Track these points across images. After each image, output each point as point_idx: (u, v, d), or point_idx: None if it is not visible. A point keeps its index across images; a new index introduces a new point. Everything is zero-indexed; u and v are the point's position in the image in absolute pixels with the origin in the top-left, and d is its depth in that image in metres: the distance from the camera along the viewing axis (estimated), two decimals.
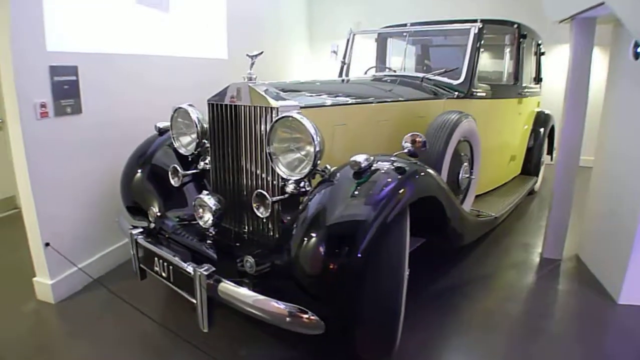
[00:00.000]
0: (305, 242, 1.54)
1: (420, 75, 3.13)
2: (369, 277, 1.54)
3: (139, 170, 2.43)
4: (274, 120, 1.80)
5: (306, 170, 1.75)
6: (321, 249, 1.50)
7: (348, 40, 3.73)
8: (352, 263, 1.47)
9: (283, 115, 1.77)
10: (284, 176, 1.83)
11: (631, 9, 1.86)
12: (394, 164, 1.75)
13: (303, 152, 1.82)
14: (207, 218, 2.00)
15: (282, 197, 1.89)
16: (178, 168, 2.24)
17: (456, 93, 2.99)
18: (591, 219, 3.09)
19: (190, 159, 2.40)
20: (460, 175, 2.65)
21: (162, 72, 3.30)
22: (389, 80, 3.06)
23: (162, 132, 2.57)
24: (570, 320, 2.45)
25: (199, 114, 2.26)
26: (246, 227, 2.12)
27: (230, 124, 2.08)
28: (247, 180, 2.07)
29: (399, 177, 1.70)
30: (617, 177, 2.74)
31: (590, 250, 3.06)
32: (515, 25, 3.45)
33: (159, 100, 3.20)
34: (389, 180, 1.67)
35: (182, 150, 2.31)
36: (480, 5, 5.62)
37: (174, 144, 2.34)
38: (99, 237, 2.87)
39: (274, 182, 1.96)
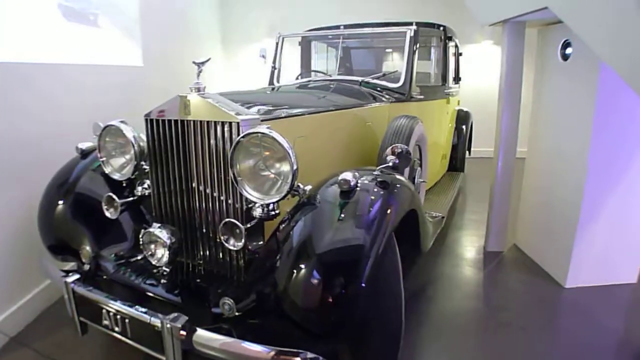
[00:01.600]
0: (295, 274, 1.37)
1: (359, 79, 3.07)
2: (373, 306, 1.40)
3: (61, 202, 2.02)
4: (238, 137, 1.56)
5: (283, 192, 1.55)
6: (317, 281, 1.34)
7: (277, 44, 3.55)
8: (356, 293, 1.33)
9: (251, 131, 1.54)
10: (254, 200, 1.60)
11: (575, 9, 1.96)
12: (378, 180, 1.64)
13: (273, 171, 1.62)
14: (161, 254, 1.70)
15: (251, 223, 1.65)
16: (114, 197, 1.89)
17: (396, 96, 2.97)
18: (526, 210, 3.28)
19: (124, 185, 2.05)
20: (416, 180, 2.63)
21: (72, 82, 2.83)
22: (330, 86, 2.95)
23: (85, 154, 2.18)
24: (529, 310, 2.55)
25: (135, 132, 1.93)
26: (202, 260, 1.86)
27: (177, 142, 1.80)
28: (201, 205, 1.80)
29: (387, 194, 1.61)
30: (551, 171, 2.93)
31: (529, 240, 3.24)
32: (442, 28, 3.56)
33: (72, 116, 2.76)
34: (377, 198, 1.57)
35: (115, 176, 1.95)
36: (385, 8, 5.76)
37: (105, 168, 1.97)
38: (13, 285, 2.37)
39: (236, 206, 1.73)
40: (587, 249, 2.70)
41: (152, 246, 1.70)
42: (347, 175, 1.54)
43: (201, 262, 1.86)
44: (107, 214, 1.91)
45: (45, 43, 2.71)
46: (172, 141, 1.81)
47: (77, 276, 1.74)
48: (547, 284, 2.84)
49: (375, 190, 1.60)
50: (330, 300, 1.33)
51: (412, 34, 3.03)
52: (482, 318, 2.45)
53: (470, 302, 2.62)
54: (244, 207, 1.71)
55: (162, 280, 1.74)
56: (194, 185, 1.80)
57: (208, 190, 1.77)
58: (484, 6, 2.91)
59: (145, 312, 1.49)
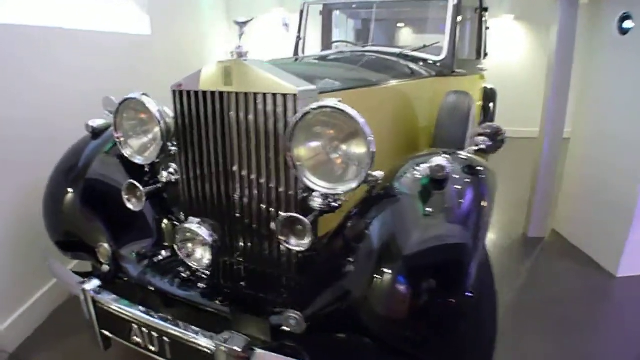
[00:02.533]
0: (382, 280, 1.11)
1: (397, 50, 2.75)
2: (476, 317, 1.14)
3: (70, 190, 1.71)
4: (301, 112, 1.26)
5: (358, 180, 1.25)
6: (412, 289, 1.09)
7: (302, 12, 3.20)
8: (462, 303, 1.09)
9: (320, 104, 1.24)
10: (320, 189, 1.31)
11: None
12: (466, 166, 1.37)
13: (341, 153, 1.32)
14: (200, 255, 1.41)
15: (310, 217, 1.36)
16: (137, 184, 1.58)
17: (437, 70, 2.67)
18: (569, 195, 3.05)
19: (146, 169, 1.74)
20: None
21: (77, 48, 2.48)
22: (366, 57, 2.63)
23: (96, 133, 1.85)
24: (584, 302, 2.36)
25: (161, 107, 1.61)
26: (243, 257, 1.56)
27: (214, 119, 1.49)
28: (243, 192, 1.51)
29: (478, 182, 1.35)
30: (601, 155, 2.68)
31: (572, 226, 3.02)
32: None
33: (77, 83, 2.43)
34: (469, 187, 1.31)
35: (137, 159, 1.63)
36: None
37: (123, 150, 1.65)
38: (14, 289, 2.07)
39: (289, 194, 1.44)
40: None
41: (190, 245, 1.41)
42: (441, 160, 1.25)
43: (241, 259, 1.57)
44: (129, 204, 1.60)
45: (50, 6, 2.35)
46: (207, 117, 1.50)
47: (96, 282, 1.45)
48: (597, 273, 2.64)
49: (466, 178, 1.33)
50: (430, 312, 1.09)
51: (456, 2, 2.71)
52: (539, 313, 2.24)
53: (524, 296, 2.40)
54: (299, 196, 1.42)
55: (201, 285, 1.45)
56: (234, 169, 1.50)
57: (253, 176, 1.47)
58: None
59: (191, 331, 1.21)
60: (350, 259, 1.25)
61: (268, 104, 1.38)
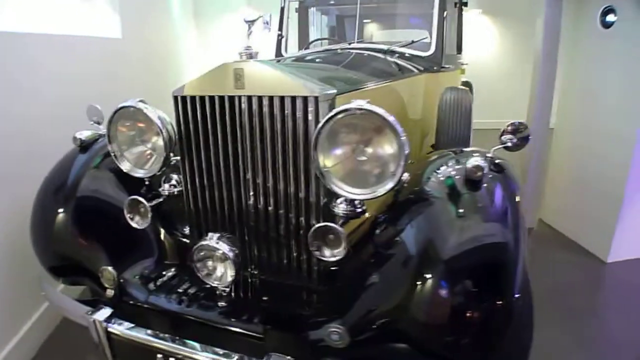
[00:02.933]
0: (425, 286, 1.08)
1: (384, 47, 2.70)
2: (519, 317, 1.11)
3: (61, 211, 1.56)
4: (328, 115, 1.18)
5: (392, 182, 1.19)
6: (458, 294, 1.07)
7: (282, 9, 3.09)
8: (510, 306, 1.08)
9: (349, 107, 1.17)
10: (349, 195, 1.24)
11: None
12: (494, 163, 1.34)
13: (370, 156, 1.25)
14: (221, 273, 1.30)
15: (341, 223, 1.28)
16: (141, 200, 1.45)
17: (425, 66, 2.65)
18: (555, 185, 3.12)
19: (146, 183, 1.61)
20: None
21: (49, 53, 2.28)
22: (352, 55, 2.56)
23: (84, 146, 1.70)
24: (579, 288, 2.42)
25: (161, 113, 1.48)
26: (258, 269, 1.48)
27: (222, 125, 1.39)
28: (257, 200, 1.42)
29: (506, 179, 1.32)
30: (586, 146, 2.76)
31: (558, 215, 3.09)
32: None
33: (56, 93, 2.25)
34: (500, 185, 1.29)
35: (138, 173, 1.49)
36: None
37: (120, 165, 1.51)
38: (5, 321, 1.88)
39: (310, 200, 1.36)
40: (631, 224, 2.57)
41: (210, 263, 1.30)
42: (478, 161, 1.21)
43: (262, 273, 1.48)
44: (134, 223, 1.47)
45: (18, 11, 2.15)
46: (215, 123, 1.39)
47: (107, 311, 1.31)
48: (588, 260, 2.74)
49: (496, 176, 1.30)
50: (477, 317, 1.06)
51: None
52: (549, 305, 2.26)
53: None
54: (322, 202, 1.35)
55: (221, 303, 1.35)
56: (247, 176, 1.41)
57: (269, 183, 1.38)
58: None
59: (230, 357, 1.12)
60: (386, 267, 1.21)
61: (287, 107, 1.29)
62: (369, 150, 1.23)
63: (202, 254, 1.30)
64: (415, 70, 2.54)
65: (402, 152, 1.15)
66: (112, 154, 1.50)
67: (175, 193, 1.57)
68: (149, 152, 1.51)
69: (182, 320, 1.35)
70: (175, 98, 1.43)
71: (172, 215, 1.66)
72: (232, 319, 1.29)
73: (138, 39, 3.25)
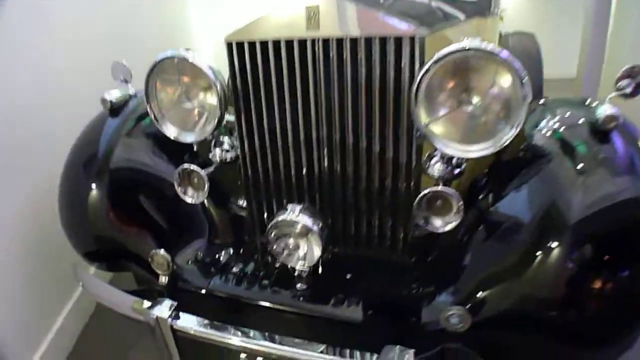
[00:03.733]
0: (550, 257, 0.93)
1: None
2: None
3: (94, 186, 1.33)
4: (435, 58, 0.95)
5: (511, 133, 0.97)
6: (593, 264, 0.92)
7: None
8: None
9: (455, 48, 0.93)
10: (458, 153, 1.02)
11: None
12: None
13: (480, 104, 1.02)
14: (304, 252, 1.09)
15: (443, 181, 1.08)
16: (196, 169, 1.22)
17: (473, 11, 2.37)
18: None
19: (194, 149, 1.38)
20: None
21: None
22: None
23: (114, 109, 1.45)
24: None
25: (212, 64, 1.22)
26: (354, 246, 1.28)
27: (291, 74, 1.15)
28: (333, 162, 1.20)
29: (627, 128, 1.12)
30: None
31: None
32: None
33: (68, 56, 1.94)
34: (626, 136, 1.09)
35: (186, 138, 1.25)
36: None
37: (163, 128, 1.26)
38: (38, 317, 1.67)
39: (400, 161, 1.14)
40: None
41: (291, 241, 1.08)
42: (611, 109, 1.02)
43: (335, 250, 1.28)
44: (187, 197, 1.25)
45: None
46: (280, 73, 1.15)
47: (169, 304, 1.11)
48: None
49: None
50: (618, 286, 0.93)
51: None
52: None
53: None
54: (413, 163, 1.13)
55: (300, 285, 1.15)
56: (321, 134, 1.18)
57: (350, 141, 1.16)
58: None
59: (344, 355, 0.93)
60: (500, 236, 1.04)
61: (375, 51, 1.06)
62: (480, 97, 1.01)
63: (278, 230, 1.08)
64: (464, 17, 2.27)
65: (523, 96, 0.93)
66: (153, 117, 1.26)
67: (228, 160, 1.34)
68: (196, 111, 1.27)
69: (251, 308, 1.16)
70: (229, 45, 1.18)
71: (222, 186, 1.43)
72: (319, 304, 1.09)
73: None
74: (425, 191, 1.02)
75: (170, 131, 1.25)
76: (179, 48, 1.20)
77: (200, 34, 4.15)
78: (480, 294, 0.99)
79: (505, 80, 0.96)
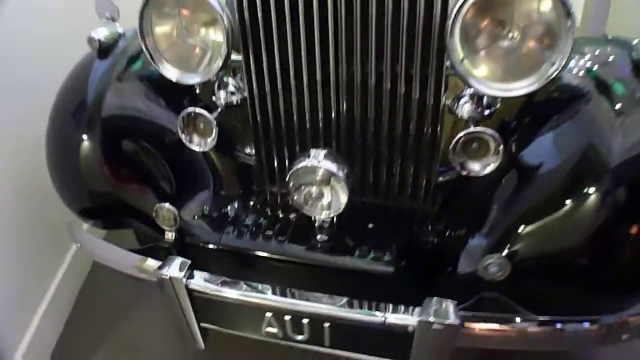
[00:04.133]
0: (589, 202, 0.88)
1: None
2: None
3: (85, 137, 1.20)
4: None
5: (553, 70, 0.88)
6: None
7: None
8: None
9: None
10: (494, 92, 0.94)
11: None
12: None
13: (519, 37, 0.93)
14: (329, 200, 1.01)
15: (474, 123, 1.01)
16: (203, 113, 1.10)
17: None
18: None
19: (197, 91, 1.25)
20: None
21: None
22: None
23: (104, 50, 1.29)
24: None
25: None
26: (379, 195, 1.19)
27: (309, 6, 1.02)
28: (352, 104, 1.09)
29: None
30: None
31: None
32: None
33: None
34: None
35: (192, 79, 1.11)
36: None
37: (161, 69, 1.12)
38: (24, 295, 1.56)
39: (428, 102, 1.04)
40: None
41: (314, 190, 0.99)
42: None
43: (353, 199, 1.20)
44: (194, 145, 1.14)
45: None
46: (296, 4, 1.02)
47: (181, 261, 1.02)
48: None
49: None
50: None
51: None
52: None
53: None
54: (442, 105, 1.04)
55: (321, 237, 1.07)
56: (341, 73, 1.06)
57: (372, 80, 1.05)
58: None
59: (375, 309, 0.87)
60: (535, 180, 0.99)
61: None
62: (521, 27, 0.92)
63: (298, 179, 0.99)
64: None
65: (569, 20, 0.84)
66: (149, 57, 1.12)
67: (234, 103, 1.22)
68: (198, 49, 1.13)
69: (268, 263, 1.09)
70: None
71: (227, 132, 1.31)
72: (345, 256, 1.03)
73: None
74: (462, 133, 0.94)
75: (170, 73, 1.11)
76: None
77: None
78: (516, 241, 0.93)
79: (547, 6, 0.87)
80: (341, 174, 0.96)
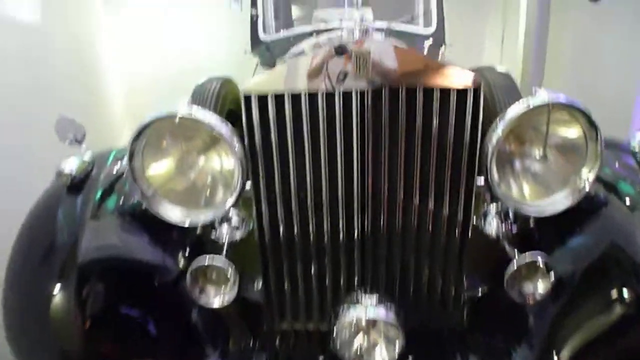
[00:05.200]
0: None
1: (382, 25, 2.32)
2: None
3: (57, 289, 0.96)
4: (514, 112, 0.89)
5: (583, 186, 0.92)
6: None
7: None
8: None
9: (541, 102, 0.87)
10: (529, 212, 0.97)
11: None
12: None
13: (546, 158, 0.95)
14: (383, 350, 0.87)
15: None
16: (218, 264, 0.93)
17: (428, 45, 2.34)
18: None
19: (196, 232, 1.08)
20: None
21: None
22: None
23: (76, 184, 1.10)
24: None
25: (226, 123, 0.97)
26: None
27: (331, 128, 0.95)
28: (380, 223, 1.03)
29: None
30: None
31: None
32: None
33: None
34: None
35: (197, 218, 0.96)
36: None
37: (160, 210, 0.96)
38: None
39: (457, 219, 1.01)
40: None
41: (360, 338, 0.85)
42: None
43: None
44: (210, 300, 0.95)
45: None
46: (316, 128, 0.95)
47: None
48: None
49: None
50: None
51: None
52: None
53: None
54: (471, 221, 1.02)
55: None
56: (367, 194, 0.99)
57: (399, 199, 0.99)
58: None
59: None
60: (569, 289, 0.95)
61: (434, 102, 0.92)
62: (553, 148, 0.94)
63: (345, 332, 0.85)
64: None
65: (598, 145, 0.90)
66: (142, 197, 0.96)
67: (237, 239, 1.07)
68: (203, 181, 0.99)
69: None
70: (246, 99, 0.94)
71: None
72: None
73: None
74: (516, 263, 0.90)
75: (172, 213, 0.96)
76: (178, 102, 0.93)
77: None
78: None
79: (578, 131, 0.92)
80: (396, 322, 0.84)
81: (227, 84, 1.75)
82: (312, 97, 0.93)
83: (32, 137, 1.66)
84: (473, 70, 2.03)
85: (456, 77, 0.92)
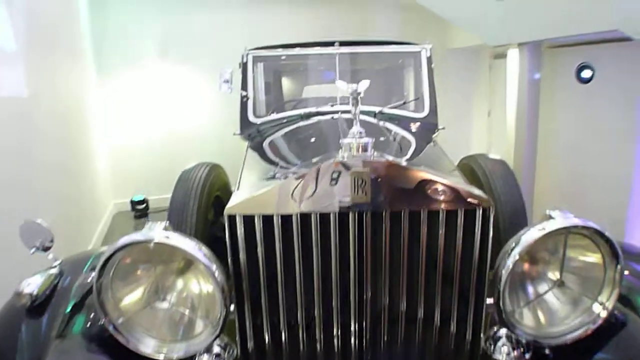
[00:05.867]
0: None
1: (374, 109, 2.32)
2: None
3: None
4: (531, 238, 0.82)
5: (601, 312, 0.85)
6: None
7: (244, 64, 2.49)
8: None
9: (566, 225, 0.82)
10: (545, 342, 0.88)
11: None
12: None
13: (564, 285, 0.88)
14: None
15: None
16: None
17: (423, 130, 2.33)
18: None
19: None
20: None
21: None
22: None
23: (38, 306, 0.97)
24: None
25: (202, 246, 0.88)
26: None
27: (325, 252, 0.88)
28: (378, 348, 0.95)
29: None
30: (574, 194, 2.75)
31: None
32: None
33: None
34: None
35: (174, 353, 0.84)
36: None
37: (137, 345, 0.85)
38: None
39: (466, 339, 0.94)
40: None
41: None
42: None
43: None
44: None
45: None
46: (310, 251, 0.88)
47: None
48: None
49: None
50: None
51: (429, 54, 2.45)
52: None
53: None
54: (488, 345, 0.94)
55: None
56: (366, 322, 0.92)
57: (403, 324, 0.92)
58: (508, 25, 2.60)
59: None
60: None
61: (441, 221, 0.86)
62: (573, 274, 0.88)
63: None
64: (412, 139, 2.18)
65: (617, 272, 0.83)
66: (114, 330, 0.85)
67: None
68: (184, 308, 0.88)
69: None
70: (230, 219, 0.86)
71: None
72: None
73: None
74: None
75: (144, 345, 0.84)
76: (153, 225, 0.85)
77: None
78: None
79: (597, 257, 0.86)
80: None
81: (214, 170, 1.72)
82: (305, 217, 0.86)
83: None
84: (465, 159, 2.02)
85: (464, 196, 0.86)
